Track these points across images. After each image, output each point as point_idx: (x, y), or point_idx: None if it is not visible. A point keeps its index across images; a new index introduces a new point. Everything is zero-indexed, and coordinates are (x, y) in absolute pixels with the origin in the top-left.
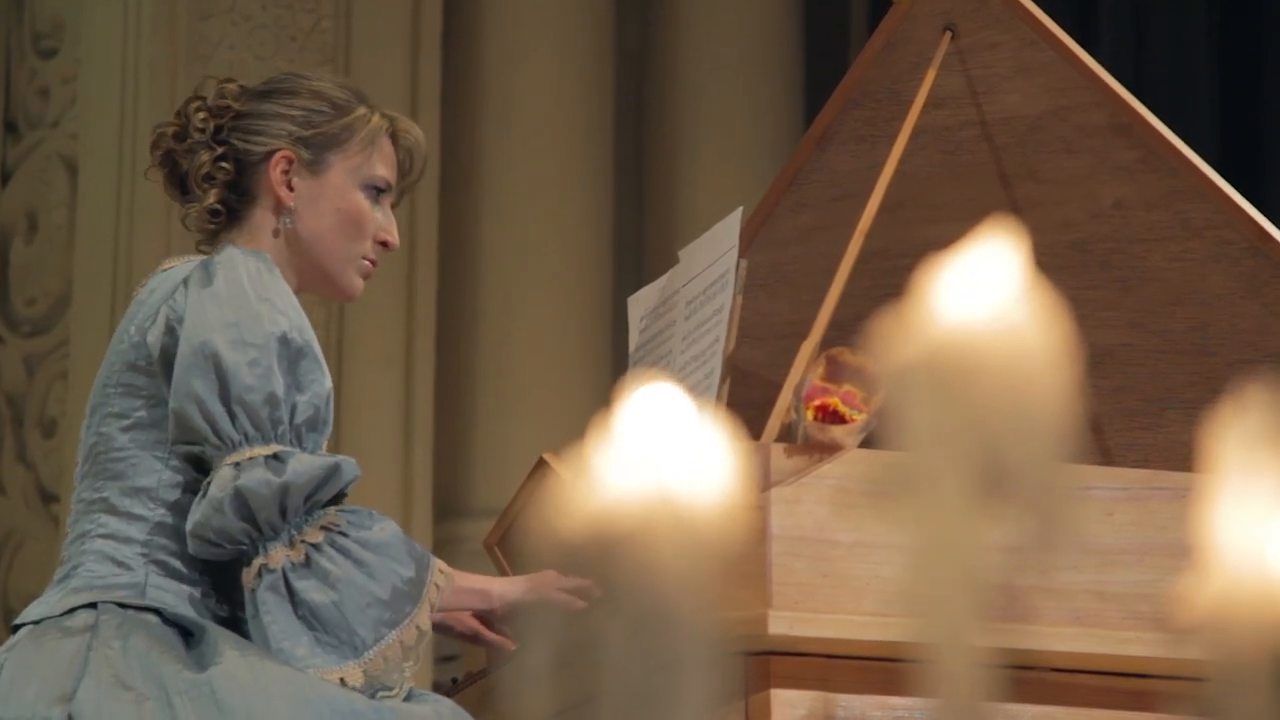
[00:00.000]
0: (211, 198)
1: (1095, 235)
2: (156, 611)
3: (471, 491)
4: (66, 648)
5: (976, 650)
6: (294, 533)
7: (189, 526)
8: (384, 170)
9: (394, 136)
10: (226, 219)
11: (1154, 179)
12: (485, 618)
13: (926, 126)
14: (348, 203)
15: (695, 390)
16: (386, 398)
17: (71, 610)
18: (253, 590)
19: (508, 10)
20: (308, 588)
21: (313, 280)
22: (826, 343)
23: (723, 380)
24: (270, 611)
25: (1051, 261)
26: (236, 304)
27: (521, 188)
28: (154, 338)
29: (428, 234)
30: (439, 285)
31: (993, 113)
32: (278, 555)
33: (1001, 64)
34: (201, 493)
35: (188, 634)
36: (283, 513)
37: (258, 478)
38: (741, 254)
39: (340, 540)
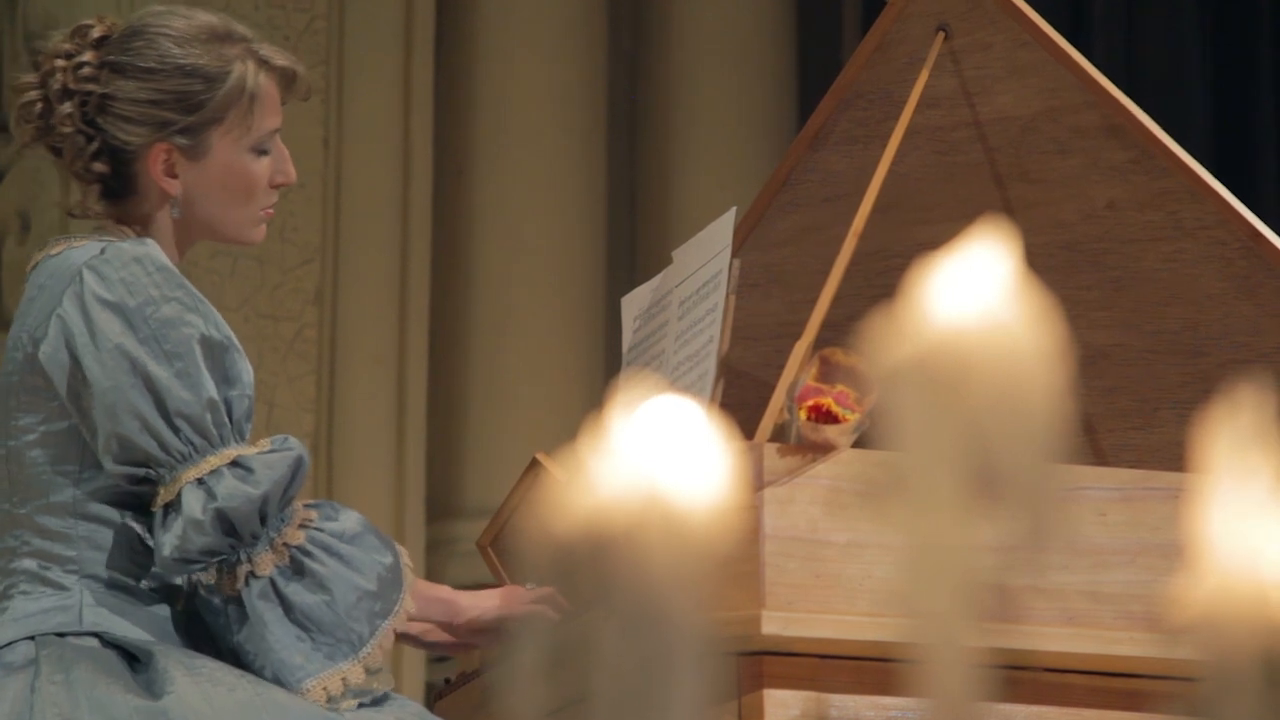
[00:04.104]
0: (93, 195)
1: (1088, 236)
2: (96, 636)
3: (464, 491)
4: (11, 686)
5: (969, 650)
6: (273, 535)
7: (166, 553)
8: (270, 121)
9: (269, 71)
10: (116, 200)
11: (1147, 180)
12: (450, 631)
13: (919, 127)
14: (236, 175)
15: (688, 390)
16: (379, 397)
17: (11, 644)
18: (238, 597)
19: (501, 10)
20: (298, 591)
21: (209, 239)
22: (820, 343)
23: (716, 380)
24: (263, 620)
25: (1044, 262)
26: (145, 314)
27: (515, 187)
28: (47, 353)
29: (421, 232)
30: (432, 285)
31: (986, 113)
32: (264, 561)
33: (995, 65)
34: (161, 517)
35: (132, 658)
36: (263, 520)
37: (234, 491)
38: (735, 254)
39: (319, 537)
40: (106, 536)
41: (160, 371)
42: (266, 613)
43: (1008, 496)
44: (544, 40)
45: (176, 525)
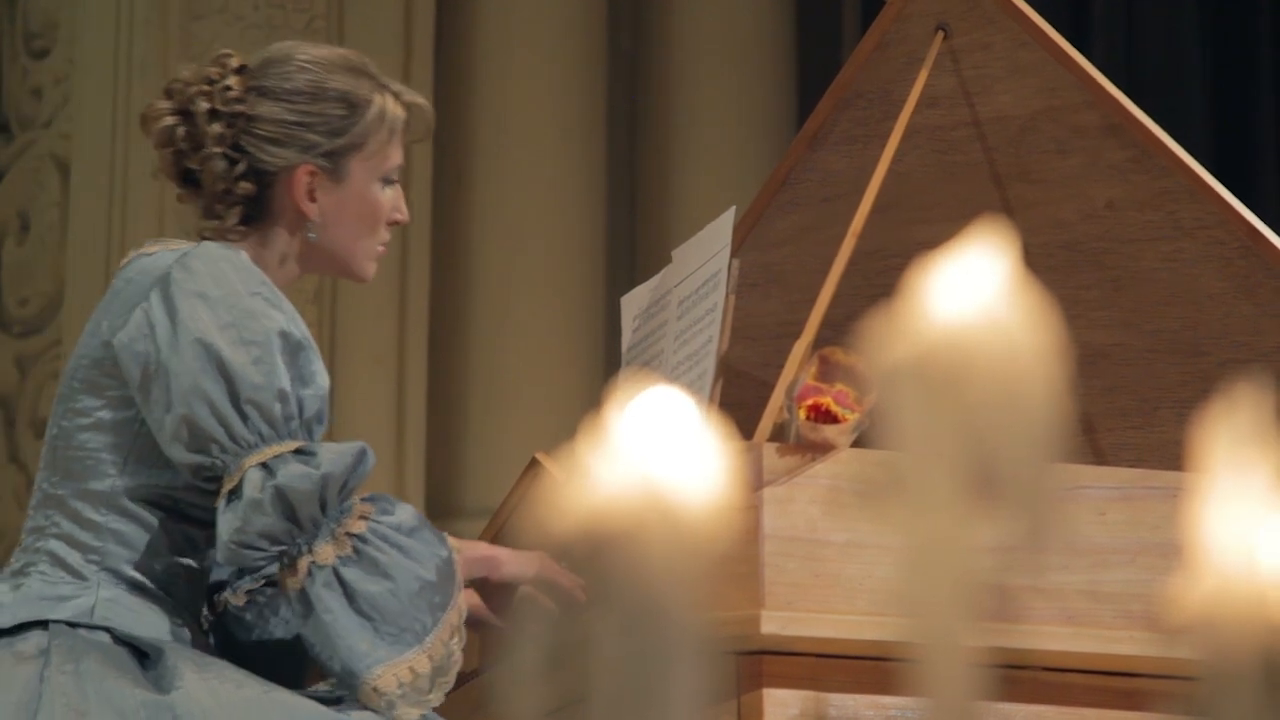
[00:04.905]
0: (234, 217)
1: (1088, 235)
2: (107, 630)
3: (464, 491)
4: (20, 676)
5: (968, 650)
6: (334, 525)
7: (226, 537)
8: (399, 155)
9: (402, 106)
10: (252, 223)
11: (1146, 179)
12: (482, 587)
13: (919, 126)
14: (368, 203)
15: (688, 390)
16: (379, 397)
17: (24, 627)
18: (302, 590)
19: (500, 11)
20: (361, 578)
21: (323, 272)
22: (819, 342)
23: (715, 380)
24: (330, 610)
25: (1044, 262)
26: (229, 303)
27: (514, 187)
28: (123, 341)
29: (421, 233)
30: (431, 284)
31: (985, 113)
32: (325, 552)
33: (994, 64)
34: (225, 500)
35: (142, 654)
36: (323, 506)
37: (296, 472)
38: (734, 254)
39: (379, 528)
40: (135, 535)
41: (235, 356)
42: (332, 601)
43: (1007, 496)
44: (543, 40)
45: (238, 508)
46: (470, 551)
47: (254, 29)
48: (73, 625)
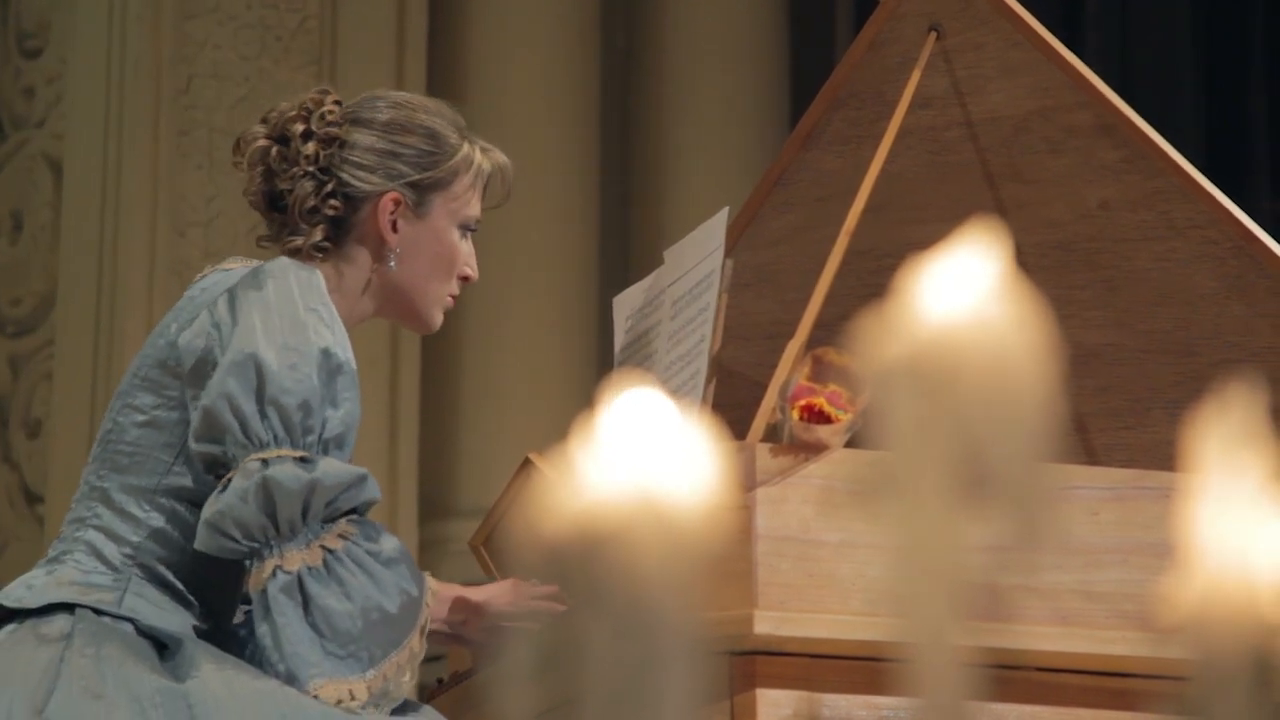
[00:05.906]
0: (318, 235)
1: (1080, 235)
2: (131, 621)
3: (457, 492)
4: (42, 656)
5: (961, 650)
6: (311, 536)
7: (205, 515)
8: (478, 208)
9: (489, 160)
10: (335, 245)
11: (1139, 179)
12: (463, 630)
13: (912, 127)
14: (445, 245)
15: (681, 390)
16: (372, 398)
17: (50, 608)
18: (262, 590)
19: (494, 9)
20: (324, 594)
21: (394, 313)
22: (812, 342)
23: (708, 380)
24: (284, 613)
25: (1037, 261)
26: (284, 312)
27: None
28: (186, 339)
29: None
30: None
31: (978, 113)
32: (294, 558)
33: (987, 64)
34: (221, 486)
35: (162, 646)
36: (304, 512)
37: (287, 472)
38: (727, 254)
39: (355, 550)
40: (173, 535)
41: (272, 358)
42: (288, 607)
43: (1000, 496)
44: (537, 39)
45: (224, 494)
46: (447, 593)
47: (247, 29)
48: (98, 612)
